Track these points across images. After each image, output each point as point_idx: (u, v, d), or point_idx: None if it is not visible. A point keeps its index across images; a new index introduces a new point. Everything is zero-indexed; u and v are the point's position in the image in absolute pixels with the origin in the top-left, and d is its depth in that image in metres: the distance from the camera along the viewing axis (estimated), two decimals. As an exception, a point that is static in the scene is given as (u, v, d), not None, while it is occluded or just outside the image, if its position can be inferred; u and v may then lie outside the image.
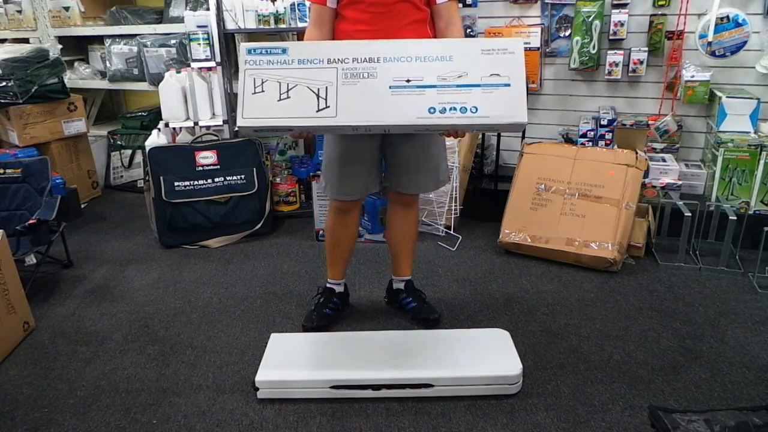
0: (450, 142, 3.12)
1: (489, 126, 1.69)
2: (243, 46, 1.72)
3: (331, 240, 2.28)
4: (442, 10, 1.95)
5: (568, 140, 3.29)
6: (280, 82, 1.68)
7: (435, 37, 1.98)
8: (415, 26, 1.92)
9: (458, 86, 1.64)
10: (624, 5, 3.05)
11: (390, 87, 1.65)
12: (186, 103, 3.34)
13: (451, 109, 1.63)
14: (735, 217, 2.59)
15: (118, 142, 4.15)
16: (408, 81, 1.65)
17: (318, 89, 1.66)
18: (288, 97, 1.67)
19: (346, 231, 2.25)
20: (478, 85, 1.64)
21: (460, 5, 3.32)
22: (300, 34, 3.29)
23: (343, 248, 2.29)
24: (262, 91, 1.67)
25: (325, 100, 1.65)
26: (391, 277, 2.39)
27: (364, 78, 1.66)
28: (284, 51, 1.69)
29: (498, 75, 1.64)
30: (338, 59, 1.67)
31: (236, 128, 1.72)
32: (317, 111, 1.65)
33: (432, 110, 1.63)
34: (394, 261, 2.35)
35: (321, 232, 3.06)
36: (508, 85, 1.64)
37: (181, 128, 3.39)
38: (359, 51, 1.68)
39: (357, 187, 2.10)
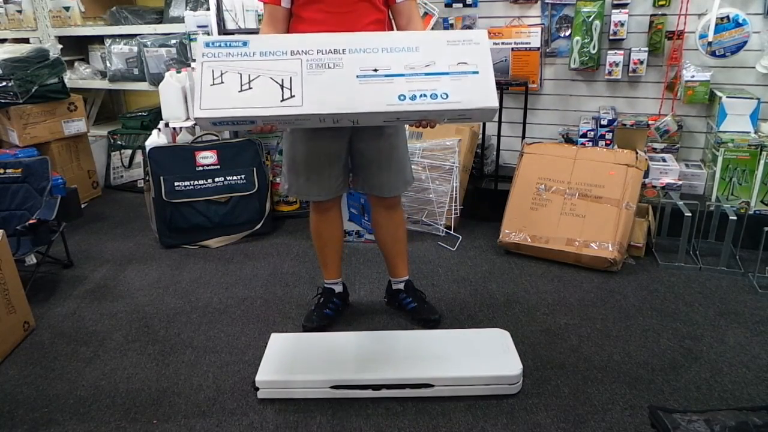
0: (450, 142, 3.12)
1: (461, 112, 1.64)
2: (201, 39, 1.66)
3: (318, 242, 2.28)
4: (403, 9, 1.95)
5: (568, 140, 3.29)
6: (241, 73, 1.61)
7: None
8: (374, 27, 1.91)
9: (427, 74, 1.62)
10: (624, 5, 3.06)
11: (357, 76, 1.61)
12: (186, 103, 3.34)
13: (421, 95, 1.60)
14: (735, 217, 2.59)
15: (118, 142, 4.15)
16: (375, 70, 1.61)
17: (282, 80, 1.60)
18: (250, 88, 1.60)
19: (331, 229, 2.24)
20: (447, 73, 1.62)
21: (460, 5, 3.32)
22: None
23: (332, 247, 2.28)
24: (222, 82, 1.60)
25: (290, 90, 1.59)
26: (389, 279, 2.39)
27: (330, 68, 1.61)
28: (245, 44, 1.64)
29: (465, 63, 1.63)
30: (302, 51, 1.63)
31: (193, 120, 1.61)
32: (282, 101, 1.58)
33: (402, 97, 1.59)
34: (389, 264, 2.34)
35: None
36: (477, 72, 1.63)
37: (181, 128, 3.39)
38: (323, 42, 1.64)
39: (325, 189, 2.08)
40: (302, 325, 2.28)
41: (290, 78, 1.60)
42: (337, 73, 1.61)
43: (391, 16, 2.00)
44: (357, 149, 2.04)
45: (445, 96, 1.60)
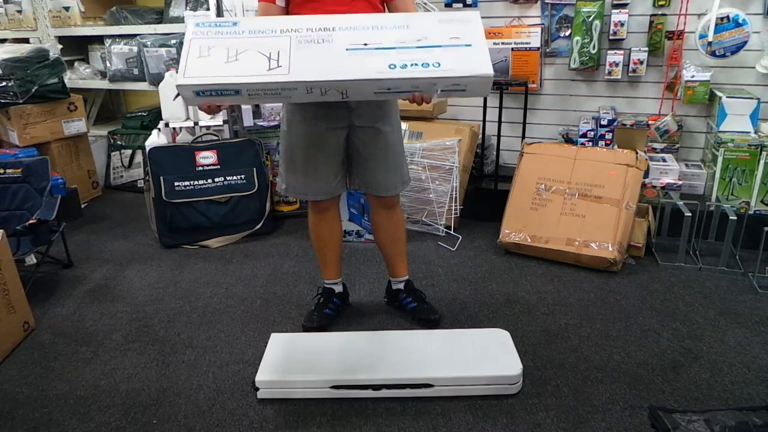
0: (450, 142, 3.12)
1: (454, 81, 1.58)
2: (191, 21, 1.65)
3: (317, 242, 2.28)
4: (399, 6, 1.98)
5: (568, 140, 3.29)
6: (229, 48, 1.59)
7: None
8: None
9: (418, 47, 1.59)
10: (624, 5, 3.06)
11: (347, 49, 1.58)
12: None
13: (412, 64, 1.56)
14: (735, 217, 2.59)
15: (118, 142, 4.15)
16: (365, 44, 1.59)
17: (270, 53, 1.58)
18: (236, 60, 1.58)
19: (330, 230, 2.24)
20: (439, 46, 1.60)
21: (460, 5, 3.32)
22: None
23: (331, 247, 2.28)
24: (208, 55, 1.58)
25: (277, 61, 1.57)
26: (389, 279, 2.39)
27: (319, 43, 1.59)
28: (235, 24, 1.63)
29: (458, 38, 1.61)
30: (291, 29, 1.62)
31: (176, 89, 1.57)
32: (268, 70, 1.56)
33: (392, 66, 1.56)
34: (389, 264, 2.34)
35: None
36: (470, 45, 1.60)
37: (181, 128, 3.39)
38: (313, 22, 1.63)
39: (324, 188, 2.09)
40: (302, 325, 2.28)
41: (278, 51, 1.58)
42: (326, 47, 1.59)
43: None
44: (354, 146, 2.05)
45: (437, 65, 1.56)
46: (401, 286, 2.34)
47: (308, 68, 1.56)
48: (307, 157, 2.03)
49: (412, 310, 2.31)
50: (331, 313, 2.31)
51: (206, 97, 1.60)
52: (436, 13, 1.77)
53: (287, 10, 1.95)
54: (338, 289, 2.36)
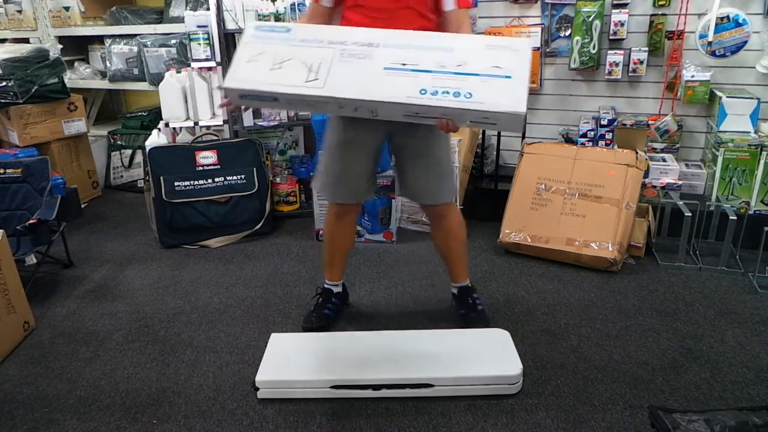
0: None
1: (483, 115, 1.55)
2: (250, 24, 1.75)
3: (330, 244, 2.29)
4: (453, 18, 1.91)
5: (569, 140, 3.29)
6: (276, 55, 1.68)
7: None
8: None
9: (455, 73, 1.59)
10: (624, 5, 3.05)
11: (384, 68, 1.63)
12: (186, 103, 3.34)
13: (443, 92, 1.56)
14: (735, 217, 2.59)
15: (119, 142, 4.15)
16: (404, 64, 1.62)
17: (311, 64, 1.66)
18: (280, 68, 1.67)
19: (345, 234, 2.26)
20: (477, 74, 1.57)
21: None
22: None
23: (342, 251, 2.30)
24: (257, 61, 1.68)
25: (316, 72, 1.64)
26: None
27: (360, 59, 1.65)
28: (288, 30, 1.71)
29: (499, 68, 1.58)
30: (338, 41, 1.68)
31: (222, 87, 1.71)
32: (305, 81, 1.64)
33: (423, 91, 1.57)
34: (446, 267, 2.33)
35: (321, 232, 3.06)
36: (509, 77, 1.56)
37: (181, 128, 3.39)
38: (361, 36, 1.68)
39: (353, 190, 2.10)
40: (302, 326, 2.29)
41: (319, 63, 1.65)
42: (365, 63, 1.64)
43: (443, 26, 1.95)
44: (395, 145, 2.06)
45: (468, 95, 1.54)
46: (455, 291, 2.34)
47: (342, 84, 1.62)
48: (344, 156, 2.04)
49: (462, 317, 2.30)
50: (330, 313, 2.31)
51: (249, 100, 1.72)
52: (487, 37, 1.77)
53: (336, 10, 1.96)
54: (337, 290, 2.36)
